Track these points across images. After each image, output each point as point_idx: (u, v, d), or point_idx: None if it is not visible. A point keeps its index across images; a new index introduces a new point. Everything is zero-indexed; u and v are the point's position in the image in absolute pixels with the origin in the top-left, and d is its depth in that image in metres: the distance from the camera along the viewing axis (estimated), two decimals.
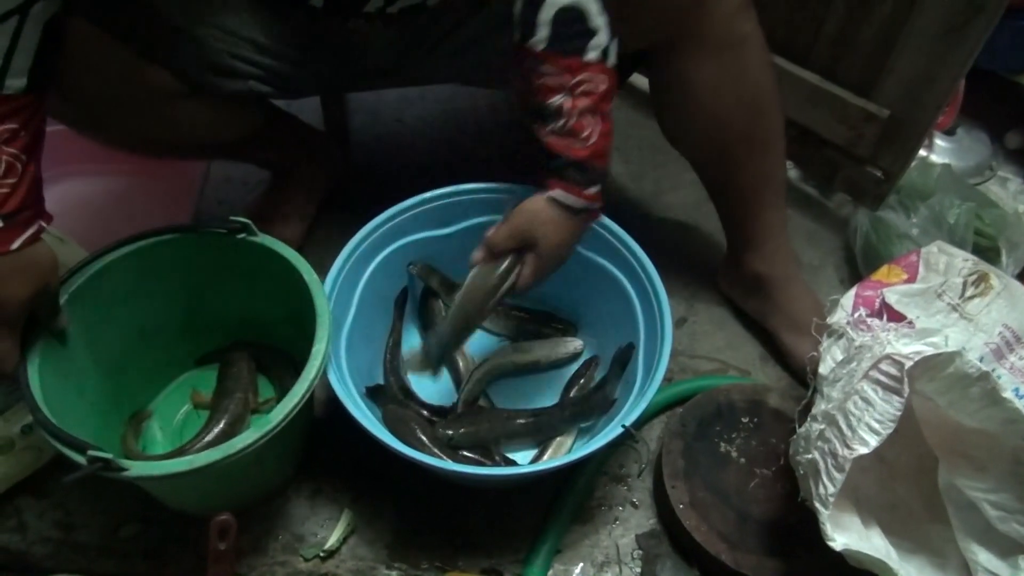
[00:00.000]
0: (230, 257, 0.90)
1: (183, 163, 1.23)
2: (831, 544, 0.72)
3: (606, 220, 0.97)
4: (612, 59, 0.77)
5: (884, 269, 0.97)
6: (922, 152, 1.37)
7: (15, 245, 0.69)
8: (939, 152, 1.45)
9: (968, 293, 0.89)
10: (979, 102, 1.48)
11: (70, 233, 0.97)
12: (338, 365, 0.85)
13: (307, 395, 0.76)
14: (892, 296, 0.88)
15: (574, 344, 1.05)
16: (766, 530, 0.87)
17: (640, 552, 0.90)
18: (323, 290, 0.84)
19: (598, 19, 0.75)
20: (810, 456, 0.76)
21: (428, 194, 0.98)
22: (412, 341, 1.07)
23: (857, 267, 1.21)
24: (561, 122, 0.77)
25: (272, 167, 1.20)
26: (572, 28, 0.74)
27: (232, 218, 0.87)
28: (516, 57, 0.78)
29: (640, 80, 1.25)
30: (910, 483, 0.87)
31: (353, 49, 0.94)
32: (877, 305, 0.89)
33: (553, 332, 1.07)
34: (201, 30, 0.84)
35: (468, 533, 0.90)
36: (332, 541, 0.88)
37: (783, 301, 1.07)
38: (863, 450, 0.70)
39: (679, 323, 1.14)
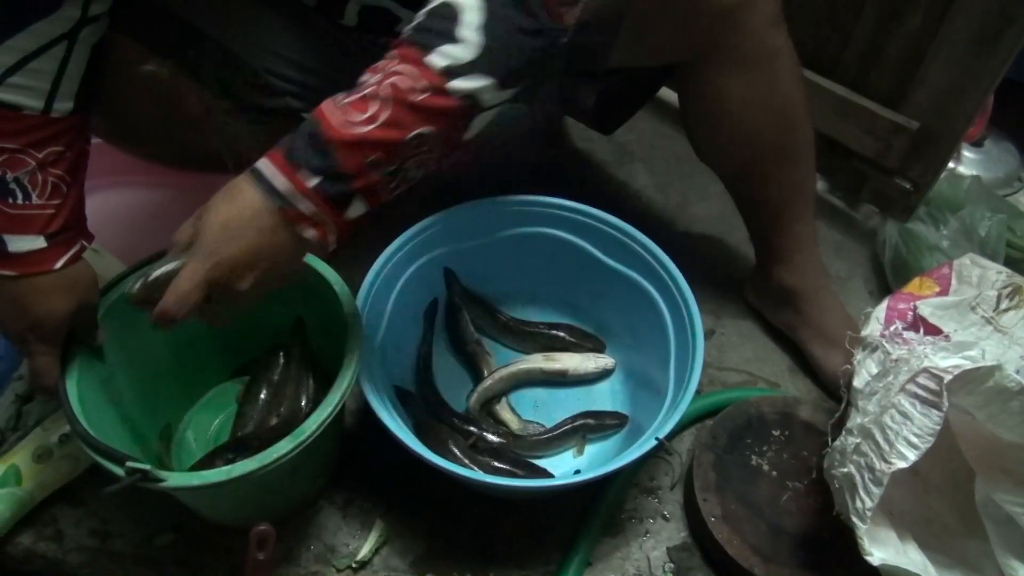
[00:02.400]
0: None
1: (218, 175, 1.24)
2: (868, 559, 0.72)
3: (633, 231, 0.97)
4: (456, 87, 0.61)
5: (916, 281, 0.97)
6: (950, 164, 1.37)
7: (58, 264, 0.70)
8: (967, 163, 1.45)
9: (1003, 306, 0.89)
10: (1006, 113, 1.47)
11: (106, 244, 0.98)
12: (371, 376, 0.85)
13: (340, 405, 0.77)
14: (926, 309, 0.88)
15: (605, 360, 1.05)
16: (800, 544, 0.86)
17: (672, 565, 0.89)
18: (353, 302, 0.85)
19: (467, 31, 0.61)
20: (846, 470, 0.75)
21: (458, 207, 0.99)
22: (443, 351, 1.08)
23: (886, 279, 1.21)
24: (346, 93, 0.62)
25: None
26: (436, 23, 0.62)
27: None
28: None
29: (665, 92, 1.26)
30: (944, 497, 0.86)
31: None
32: (910, 318, 0.89)
33: (582, 350, 1.07)
34: (241, 48, 0.85)
35: (499, 544, 0.91)
36: (364, 552, 0.88)
37: (812, 314, 1.07)
38: (901, 464, 0.70)
39: (707, 335, 1.12)
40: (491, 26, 0.61)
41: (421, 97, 0.60)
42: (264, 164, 0.61)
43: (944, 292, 0.94)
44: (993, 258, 1.05)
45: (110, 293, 0.83)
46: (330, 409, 0.75)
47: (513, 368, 1.02)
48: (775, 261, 1.08)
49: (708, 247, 1.29)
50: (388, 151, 0.61)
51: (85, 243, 0.73)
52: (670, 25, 0.86)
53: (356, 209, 0.64)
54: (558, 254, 1.02)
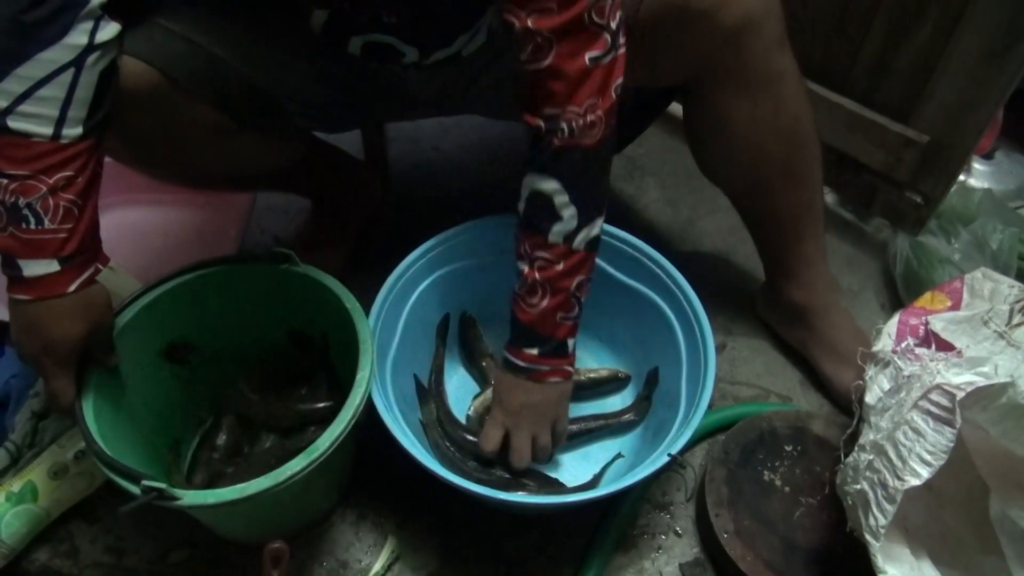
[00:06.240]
0: (275, 286, 0.92)
1: (231, 194, 1.25)
2: None
3: (644, 245, 0.98)
4: (580, 244, 0.81)
5: (927, 295, 0.96)
6: (960, 176, 1.36)
7: (71, 288, 0.71)
8: (977, 176, 1.44)
9: (1015, 320, 0.88)
10: (1017, 125, 1.46)
11: (121, 262, 0.99)
12: (384, 392, 0.86)
13: (353, 421, 0.77)
14: (938, 323, 0.88)
15: (617, 370, 1.05)
16: (814, 560, 0.86)
17: None
18: (365, 318, 0.85)
19: (565, 210, 0.79)
20: (859, 486, 0.75)
21: (467, 224, 0.99)
22: (455, 367, 1.08)
23: (897, 292, 1.20)
24: (518, 284, 0.84)
25: (313, 196, 1.22)
26: (540, 211, 0.80)
27: (275, 248, 0.89)
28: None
29: (675, 107, 1.26)
30: (959, 512, 0.86)
31: (391, 89, 0.95)
32: (922, 332, 0.89)
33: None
34: (253, 71, 0.86)
35: (512, 561, 0.91)
36: (377, 568, 0.88)
37: (823, 330, 1.07)
38: (915, 481, 0.69)
39: (718, 349, 1.12)
40: (577, 194, 0.79)
41: (562, 267, 0.81)
42: (506, 355, 0.87)
43: (956, 306, 0.94)
44: (1005, 271, 1.05)
45: (126, 311, 0.84)
46: (343, 426, 0.76)
47: None
48: (784, 278, 1.07)
49: (719, 261, 1.29)
50: (565, 306, 0.83)
51: (100, 266, 0.74)
52: (674, 48, 0.86)
53: (571, 346, 0.87)
54: None
